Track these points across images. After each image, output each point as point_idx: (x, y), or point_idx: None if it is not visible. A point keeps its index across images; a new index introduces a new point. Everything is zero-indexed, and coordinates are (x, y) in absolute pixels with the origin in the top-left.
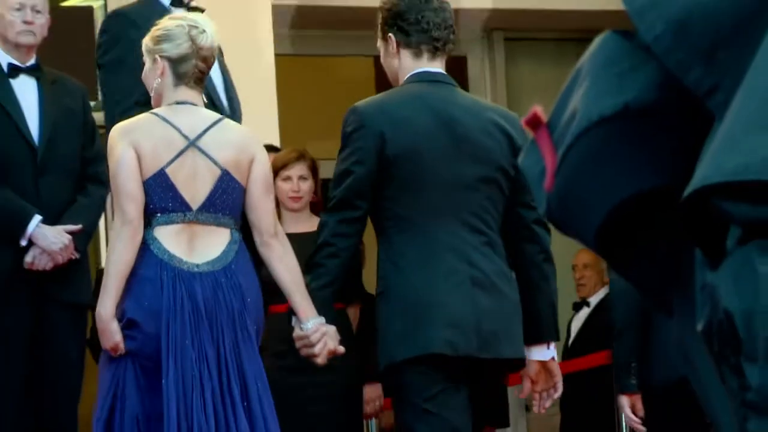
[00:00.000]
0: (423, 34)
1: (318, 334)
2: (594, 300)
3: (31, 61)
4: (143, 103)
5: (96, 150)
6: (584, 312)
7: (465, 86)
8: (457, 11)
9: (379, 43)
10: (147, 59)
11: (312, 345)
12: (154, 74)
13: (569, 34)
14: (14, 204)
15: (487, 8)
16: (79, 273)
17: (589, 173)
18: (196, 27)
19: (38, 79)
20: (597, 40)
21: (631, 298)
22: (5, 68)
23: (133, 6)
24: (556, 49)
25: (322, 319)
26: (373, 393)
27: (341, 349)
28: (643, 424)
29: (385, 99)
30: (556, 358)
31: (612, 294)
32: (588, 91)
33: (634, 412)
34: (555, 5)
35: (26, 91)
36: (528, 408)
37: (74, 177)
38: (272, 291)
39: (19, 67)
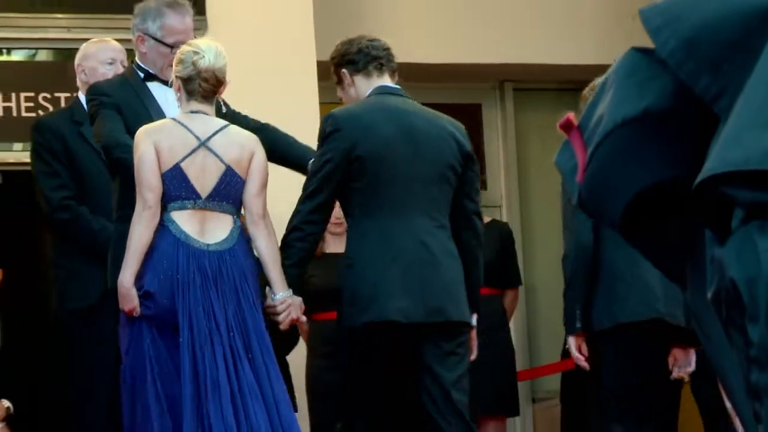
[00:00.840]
0: (366, 56)
1: (284, 305)
2: None
3: None
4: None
5: None
6: None
7: (480, 129)
8: (473, 65)
9: (338, 91)
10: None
11: (278, 313)
12: (175, 89)
13: (568, 84)
14: (110, 231)
15: (499, 63)
16: None
17: (615, 167)
18: (197, 53)
19: None
20: (621, 57)
21: (580, 258)
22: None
23: (114, 78)
24: (557, 97)
25: (290, 292)
26: None
27: (303, 318)
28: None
29: (356, 108)
30: (475, 328)
31: (565, 254)
32: (613, 98)
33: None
34: (556, 60)
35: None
36: (534, 399)
37: None
38: (316, 301)
39: None
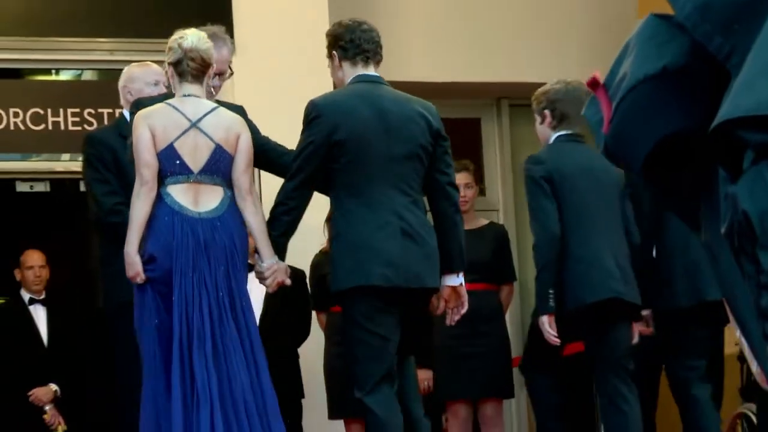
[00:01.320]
0: (356, 48)
1: (270, 270)
2: None
3: None
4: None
5: None
6: None
7: (479, 141)
8: (473, 84)
9: (328, 63)
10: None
11: (265, 278)
12: (170, 77)
13: None
14: None
15: (495, 82)
16: None
17: (637, 118)
18: (182, 37)
19: None
20: (641, 22)
21: (550, 246)
22: None
23: (158, 96)
24: None
25: (275, 259)
26: (423, 375)
27: (288, 281)
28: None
29: (336, 95)
30: (463, 284)
31: (535, 243)
32: (635, 58)
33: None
34: (545, 79)
35: None
36: None
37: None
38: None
39: None
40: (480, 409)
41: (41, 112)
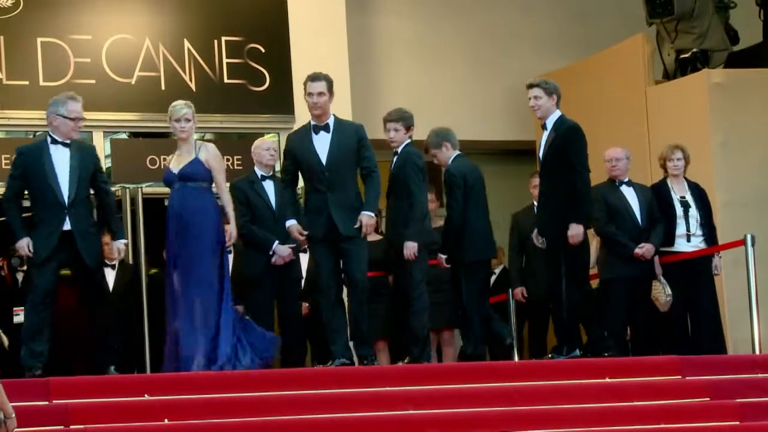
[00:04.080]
0: None
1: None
2: (497, 270)
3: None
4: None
5: None
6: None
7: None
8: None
9: (327, 96)
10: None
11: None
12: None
13: (479, 150)
14: (261, 233)
15: (461, 139)
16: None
17: None
18: (174, 105)
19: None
20: None
21: (456, 222)
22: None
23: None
24: (481, 161)
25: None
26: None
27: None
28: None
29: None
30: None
31: (449, 220)
32: None
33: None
34: (490, 136)
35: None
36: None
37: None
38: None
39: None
40: (440, 335)
41: None
